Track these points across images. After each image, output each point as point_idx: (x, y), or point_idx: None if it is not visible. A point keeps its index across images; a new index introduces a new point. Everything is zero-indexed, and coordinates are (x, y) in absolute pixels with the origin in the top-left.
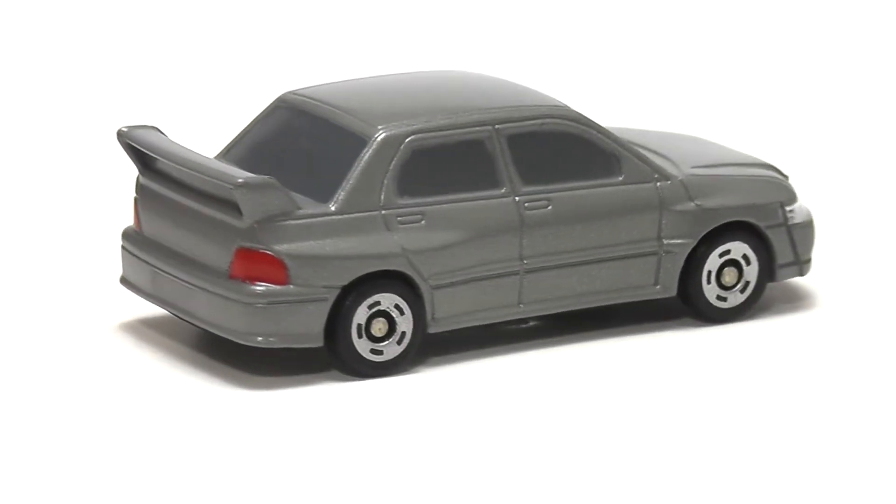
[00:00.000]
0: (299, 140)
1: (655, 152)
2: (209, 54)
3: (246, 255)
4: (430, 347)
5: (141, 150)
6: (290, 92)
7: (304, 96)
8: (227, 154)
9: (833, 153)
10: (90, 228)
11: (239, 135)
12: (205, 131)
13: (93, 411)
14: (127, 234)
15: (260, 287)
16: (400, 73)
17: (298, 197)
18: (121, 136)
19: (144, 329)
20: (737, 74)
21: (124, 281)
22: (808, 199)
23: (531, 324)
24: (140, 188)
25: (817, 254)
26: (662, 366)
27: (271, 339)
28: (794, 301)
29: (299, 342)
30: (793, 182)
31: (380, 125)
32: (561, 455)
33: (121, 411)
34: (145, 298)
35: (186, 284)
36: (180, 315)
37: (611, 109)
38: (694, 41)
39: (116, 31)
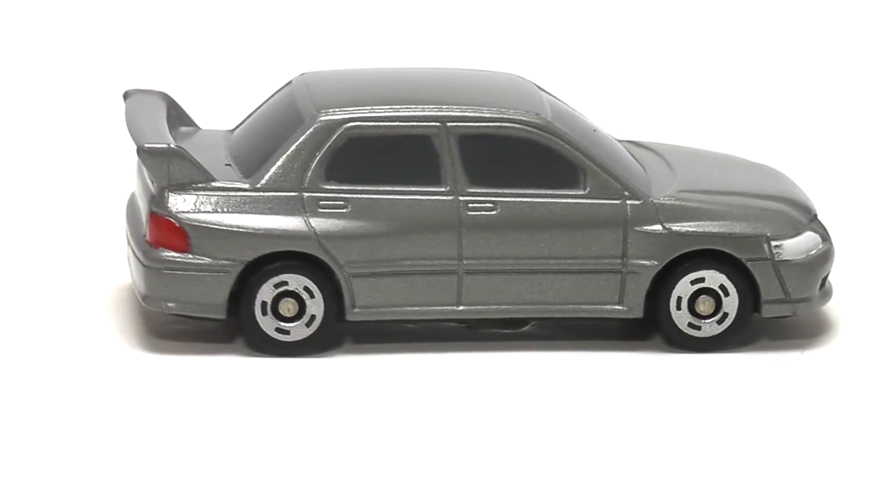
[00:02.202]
0: (276, 119)
1: (669, 168)
2: (274, 32)
3: (154, 220)
4: (368, 337)
5: None
6: (302, 73)
7: (305, 78)
8: (236, 128)
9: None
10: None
11: (253, 110)
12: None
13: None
14: (130, 199)
15: (162, 253)
16: (415, 66)
17: (233, 171)
18: (124, 97)
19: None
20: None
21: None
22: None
23: (526, 328)
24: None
25: (838, 290)
26: (600, 385)
27: (170, 304)
28: (785, 338)
29: (201, 311)
30: (825, 222)
31: (323, 110)
32: (432, 456)
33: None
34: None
35: (129, 247)
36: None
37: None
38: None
39: None
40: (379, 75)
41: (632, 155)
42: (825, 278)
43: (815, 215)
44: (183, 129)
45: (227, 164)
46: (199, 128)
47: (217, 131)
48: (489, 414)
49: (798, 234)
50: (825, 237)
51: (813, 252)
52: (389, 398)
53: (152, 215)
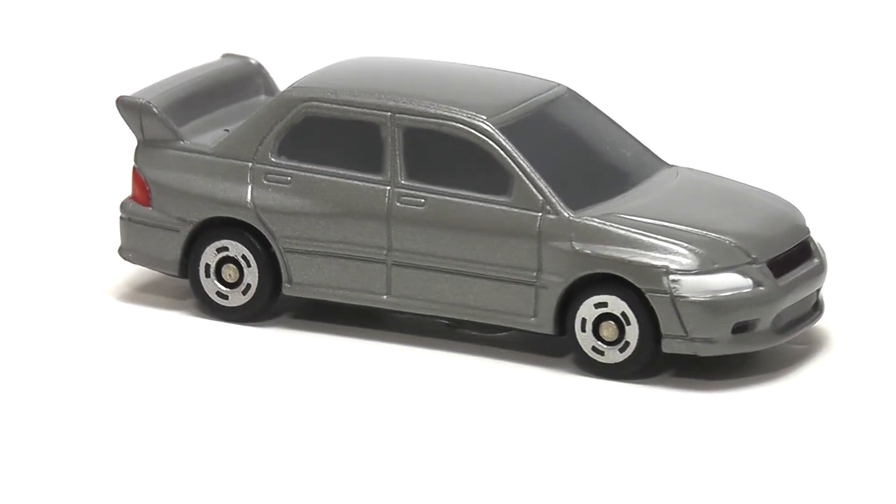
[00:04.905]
0: None
1: (653, 193)
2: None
3: (132, 172)
4: (320, 313)
5: None
6: (361, 56)
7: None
8: None
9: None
10: None
11: None
12: None
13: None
14: None
15: (129, 203)
16: (453, 62)
17: (220, 136)
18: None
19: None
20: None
21: None
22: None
23: (503, 334)
24: None
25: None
26: (486, 396)
27: (130, 255)
28: (693, 376)
29: (157, 266)
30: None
31: (295, 87)
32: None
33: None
34: None
35: None
36: None
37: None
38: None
39: None
40: (396, 65)
41: (628, 177)
42: (751, 323)
43: (755, 259)
44: (263, 97)
45: (225, 130)
46: None
47: None
48: (383, 403)
49: (708, 272)
50: (759, 283)
51: (723, 294)
52: (302, 374)
53: (133, 168)
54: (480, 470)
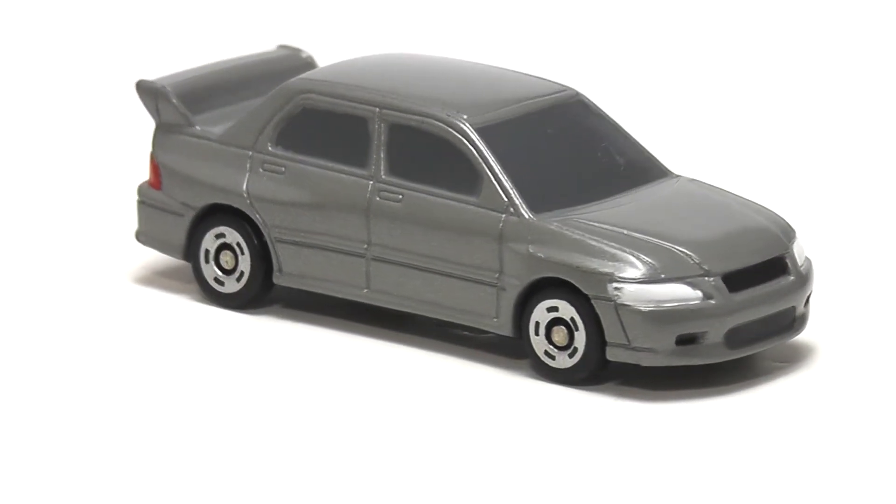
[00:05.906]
0: None
1: (632, 202)
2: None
3: (150, 156)
4: (310, 304)
5: None
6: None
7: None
8: None
9: None
10: None
11: None
12: None
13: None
14: None
15: (144, 187)
16: (462, 60)
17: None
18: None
19: None
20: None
21: None
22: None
23: (489, 334)
24: None
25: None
26: (437, 395)
27: (142, 237)
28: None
29: (165, 250)
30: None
31: (300, 78)
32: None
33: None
34: None
35: None
36: None
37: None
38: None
39: None
40: (410, 62)
41: (614, 185)
42: (698, 335)
43: (707, 271)
44: None
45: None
46: None
47: None
48: (339, 395)
49: (654, 281)
50: (710, 296)
51: (667, 304)
52: (280, 363)
53: (150, 152)
54: (407, 464)
